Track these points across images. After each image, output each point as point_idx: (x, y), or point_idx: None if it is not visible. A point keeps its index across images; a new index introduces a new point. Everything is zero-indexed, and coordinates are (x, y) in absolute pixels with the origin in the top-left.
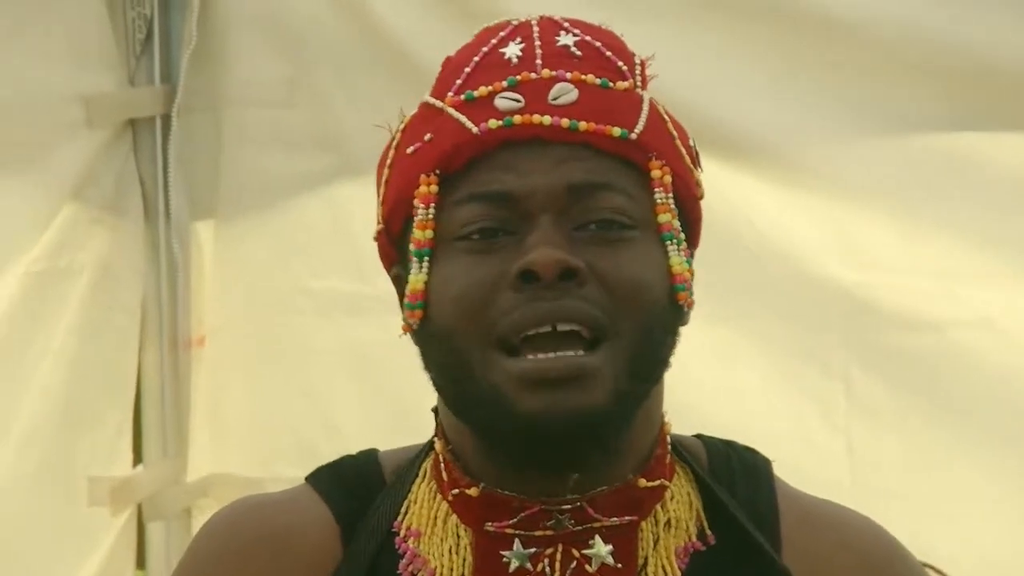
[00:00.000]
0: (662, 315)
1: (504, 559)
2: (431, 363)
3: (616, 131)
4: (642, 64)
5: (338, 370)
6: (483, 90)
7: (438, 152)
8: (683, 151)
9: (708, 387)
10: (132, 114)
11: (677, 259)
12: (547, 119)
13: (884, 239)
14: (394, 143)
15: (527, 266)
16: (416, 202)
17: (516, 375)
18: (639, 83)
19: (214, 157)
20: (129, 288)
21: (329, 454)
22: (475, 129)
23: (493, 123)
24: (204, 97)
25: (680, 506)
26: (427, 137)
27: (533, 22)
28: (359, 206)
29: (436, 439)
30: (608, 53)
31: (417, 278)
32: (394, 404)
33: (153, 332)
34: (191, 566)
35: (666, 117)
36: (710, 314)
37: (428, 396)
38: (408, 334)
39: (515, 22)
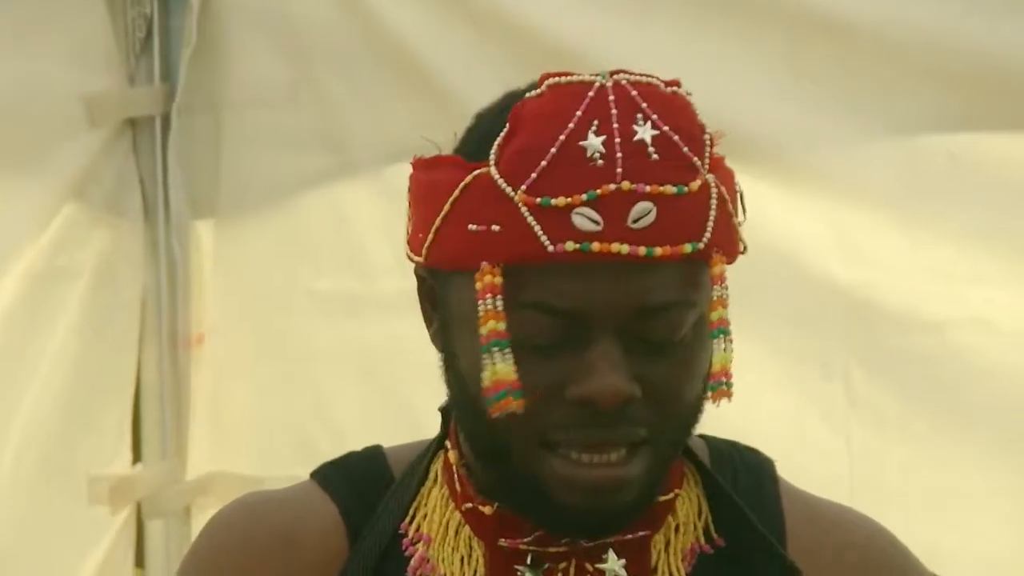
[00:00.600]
0: (698, 411)
1: (518, 574)
2: (464, 433)
3: (688, 247)
4: (711, 141)
5: (338, 369)
6: (561, 200)
7: (506, 251)
8: (734, 220)
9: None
10: (132, 113)
11: (721, 356)
12: (624, 248)
13: (885, 239)
14: (451, 199)
15: (588, 396)
16: (480, 288)
17: (560, 475)
18: (707, 165)
19: (214, 156)
20: (129, 287)
21: (329, 453)
22: (551, 247)
23: (571, 246)
24: (204, 96)
25: (689, 511)
26: (495, 228)
27: (609, 95)
28: (361, 206)
29: (449, 448)
30: (685, 149)
31: (506, 369)
32: (395, 403)
33: (153, 331)
34: (195, 563)
35: (725, 196)
36: None
37: (428, 395)
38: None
39: (589, 88)
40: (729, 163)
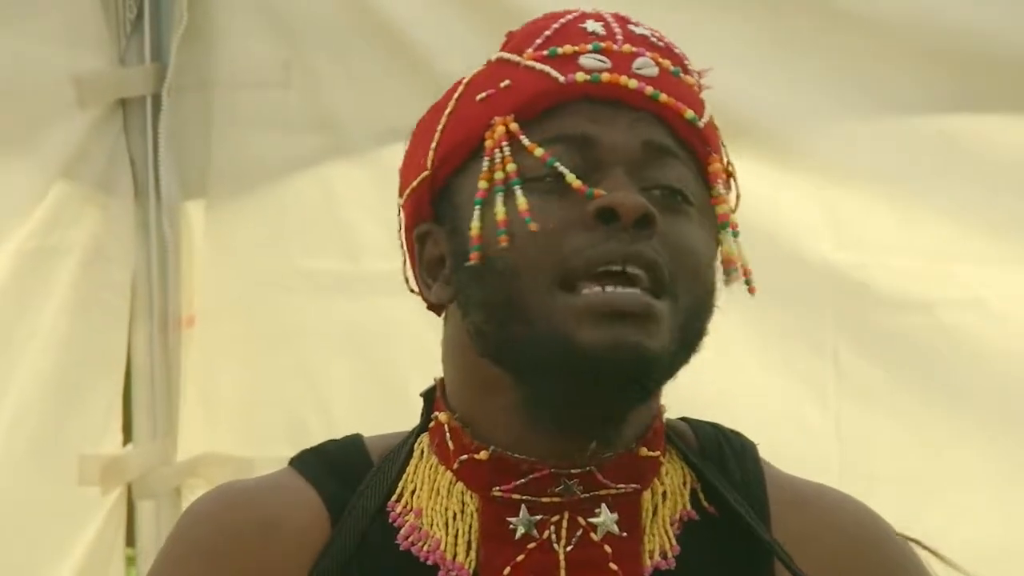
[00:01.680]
0: (711, 291)
1: (511, 526)
2: (478, 305)
3: (689, 113)
4: (699, 74)
5: (329, 350)
6: (568, 48)
7: (517, 97)
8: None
9: (698, 367)
10: (123, 93)
11: (730, 246)
12: (633, 83)
13: (876, 219)
14: (456, 94)
15: (610, 204)
16: (490, 143)
17: (581, 307)
18: (698, 86)
19: (205, 137)
20: (119, 267)
21: (320, 434)
22: (562, 79)
23: (580, 76)
24: (195, 77)
25: (674, 480)
26: (504, 84)
27: (603, 11)
28: (351, 187)
29: (438, 413)
30: (677, 50)
31: (499, 209)
32: (385, 383)
33: (143, 311)
34: (175, 553)
35: (715, 125)
36: None
37: (419, 374)
38: (456, 276)
39: (583, 9)
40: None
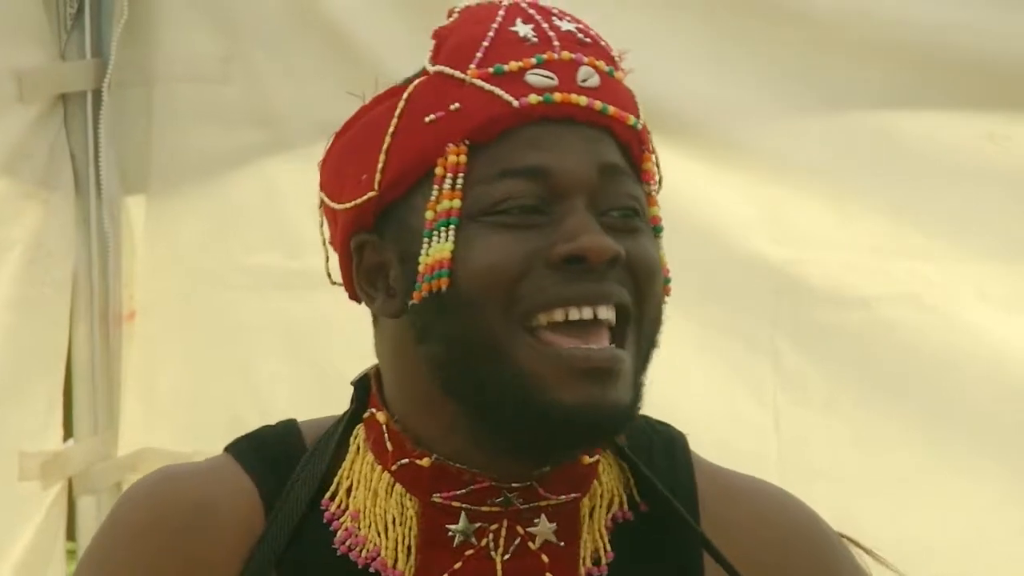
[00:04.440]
0: (662, 309)
1: (449, 533)
2: (438, 337)
3: (631, 119)
4: (620, 56)
5: (269, 345)
6: (513, 64)
7: (469, 122)
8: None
9: None
10: (63, 88)
11: (662, 253)
12: (583, 99)
13: (814, 215)
14: (397, 111)
15: (579, 251)
16: (441, 171)
17: (553, 358)
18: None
19: (146, 132)
20: (60, 263)
21: None
22: (515, 103)
23: (534, 98)
24: (136, 72)
25: (611, 479)
26: (453, 107)
27: (522, 5)
28: (292, 182)
29: (374, 411)
30: (603, 43)
31: (443, 247)
32: (325, 379)
33: (84, 307)
34: (111, 535)
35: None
36: None
37: (358, 369)
38: (415, 303)
39: (499, 7)
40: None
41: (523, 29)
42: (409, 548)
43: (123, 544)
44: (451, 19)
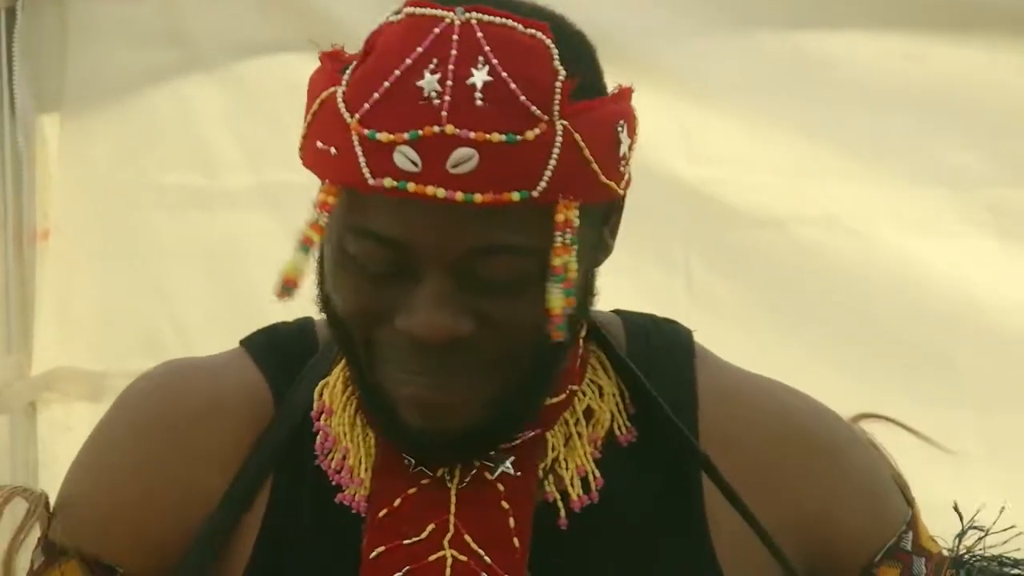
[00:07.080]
0: (547, 348)
1: (405, 460)
2: (333, 335)
3: (516, 196)
4: (564, 87)
5: (184, 264)
6: (385, 136)
7: (338, 176)
8: (599, 169)
9: None
10: None
11: (557, 299)
12: (440, 192)
13: (729, 135)
14: (312, 111)
15: (411, 333)
16: (315, 202)
17: (401, 394)
18: (557, 114)
19: (60, 50)
20: None
21: (175, 348)
22: (371, 181)
23: (388, 182)
24: None
25: (593, 400)
26: (332, 151)
27: (454, 34)
28: (207, 101)
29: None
30: (522, 97)
31: (302, 263)
32: (240, 298)
33: None
34: (116, 428)
35: (583, 144)
36: None
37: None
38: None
39: (438, 24)
40: None
41: (428, 82)
42: (367, 471)
43: (128, 437)
44: (395, 19)
